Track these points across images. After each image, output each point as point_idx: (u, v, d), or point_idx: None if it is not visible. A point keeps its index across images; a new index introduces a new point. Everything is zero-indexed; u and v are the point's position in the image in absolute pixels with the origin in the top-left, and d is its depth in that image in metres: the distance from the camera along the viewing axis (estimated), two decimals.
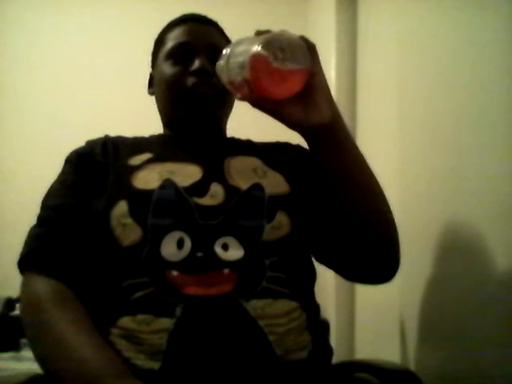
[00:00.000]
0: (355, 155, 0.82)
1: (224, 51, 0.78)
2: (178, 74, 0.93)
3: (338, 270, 0.91)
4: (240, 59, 0.73)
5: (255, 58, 0.70)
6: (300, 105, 0.75)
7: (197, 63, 0.91)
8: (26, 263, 0.81)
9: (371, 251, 0.84)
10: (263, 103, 0.75)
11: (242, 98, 0.76)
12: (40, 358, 0.73)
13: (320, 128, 0.77)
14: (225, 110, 0.98)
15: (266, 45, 0.70)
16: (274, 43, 0.71)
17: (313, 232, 0.87)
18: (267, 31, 0.73)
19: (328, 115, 0.76)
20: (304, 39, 0.74)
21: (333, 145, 0.79)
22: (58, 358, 0.70)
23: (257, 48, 0.70)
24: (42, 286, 0.77)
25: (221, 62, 0.79)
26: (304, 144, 0.89)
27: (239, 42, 0.77)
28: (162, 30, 1.02)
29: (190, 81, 0.91)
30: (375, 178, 0.83)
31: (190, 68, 0.91)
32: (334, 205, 0.85)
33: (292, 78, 0.72)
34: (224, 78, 0.78)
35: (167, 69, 0.94)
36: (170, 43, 0.97)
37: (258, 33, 0.74)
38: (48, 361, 0.72)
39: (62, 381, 0.69)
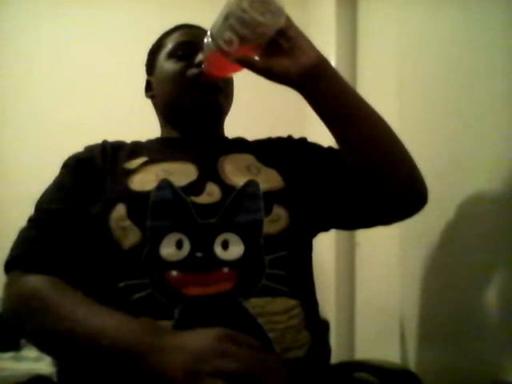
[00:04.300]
0: (351, 90, 0.83)
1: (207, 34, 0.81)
2: (184, 67, 0.94)
3: (375, 220, 0.91)
4: (222, 16, 0.75)
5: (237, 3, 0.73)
6: (286, 55, 0.77)
7: (200, 56, 0.92)
8: (15, 265, 0.79)
9: (398, 179, 0.84)
10: (254, 62, 0.77)
11: (235, 58, 0.77)
12: (54, 343, 0.71)
13: (311, 69, 0.77)
14: (228, 102, 1.00)
15: None
16: None
17: (328, 208, 0.89)
18: None
19: (314, 54, 0.78)
20: None
21: (327, 83, 0.80)
22: (81, 332, 0.68)
23: None
24: (36, 279, 0.75)
25: (206, 39, 0.81)
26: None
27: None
28: (156, 40, 1.04)
29: (196, 71, 0.92)
30: (374, 110, 0.84)
31: (194, 61, 0.93)
32: (345, 155, 0.86)
33: (277, 8, 0.74)
34: (213, 48, 0.79)
35: (171, 65, 0.96)
36: (170, 44, 0.99)
37: None
38: (69, 340, 0.69)
39: (95, 352, 0.66)
